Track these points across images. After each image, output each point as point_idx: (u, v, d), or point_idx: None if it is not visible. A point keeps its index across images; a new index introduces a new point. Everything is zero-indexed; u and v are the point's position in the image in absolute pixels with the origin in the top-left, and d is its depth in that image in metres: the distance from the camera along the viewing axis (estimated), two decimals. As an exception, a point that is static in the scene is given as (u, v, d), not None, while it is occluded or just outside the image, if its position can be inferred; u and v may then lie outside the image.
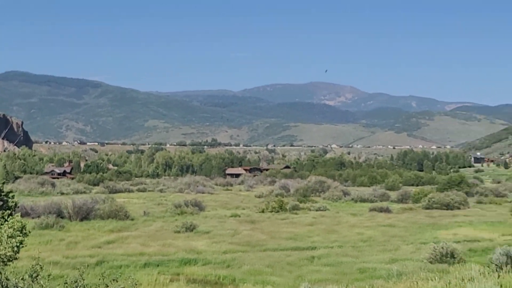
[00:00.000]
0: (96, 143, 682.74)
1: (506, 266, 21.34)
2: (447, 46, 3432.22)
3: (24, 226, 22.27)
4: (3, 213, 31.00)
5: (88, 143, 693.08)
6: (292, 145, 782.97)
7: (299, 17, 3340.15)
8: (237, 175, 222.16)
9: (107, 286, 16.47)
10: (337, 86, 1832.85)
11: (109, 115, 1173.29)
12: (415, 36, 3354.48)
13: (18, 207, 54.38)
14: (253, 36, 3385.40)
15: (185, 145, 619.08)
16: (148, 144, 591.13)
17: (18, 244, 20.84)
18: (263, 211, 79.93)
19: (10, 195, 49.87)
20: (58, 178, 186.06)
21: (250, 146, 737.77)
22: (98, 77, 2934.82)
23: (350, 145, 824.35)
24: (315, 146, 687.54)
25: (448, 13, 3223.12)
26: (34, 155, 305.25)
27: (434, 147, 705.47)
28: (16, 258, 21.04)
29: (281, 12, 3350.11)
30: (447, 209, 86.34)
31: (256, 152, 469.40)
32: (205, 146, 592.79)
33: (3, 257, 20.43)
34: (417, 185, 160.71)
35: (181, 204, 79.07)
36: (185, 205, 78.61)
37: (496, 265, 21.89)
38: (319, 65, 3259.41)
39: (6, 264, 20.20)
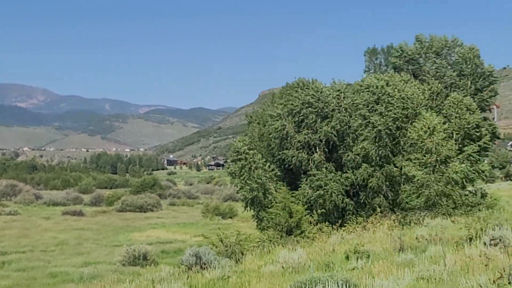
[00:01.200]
0: None
1: (195, 266, 22.12)
2: (139, 50, 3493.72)
3: None
4: None
5: None
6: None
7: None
8: None
9: None
10: (28, 88, 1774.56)
11: None
12: (109, 40, 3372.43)
13: None
14: None
15: None
16: None
17: None
18: None
19: None
20: None
21: None
22: None
23: (43, 148, 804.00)
24: (6, 149, 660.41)
25: (136, 18, 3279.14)
26: None
27: (127, 150, 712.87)
28: None
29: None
30: (140, 212, 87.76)
31: None
32: None
33: None
34: (111, 188, 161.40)
35: None
36: None
37: (186, 265, 22.62)
38: (9, 66, 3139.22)
39: None
